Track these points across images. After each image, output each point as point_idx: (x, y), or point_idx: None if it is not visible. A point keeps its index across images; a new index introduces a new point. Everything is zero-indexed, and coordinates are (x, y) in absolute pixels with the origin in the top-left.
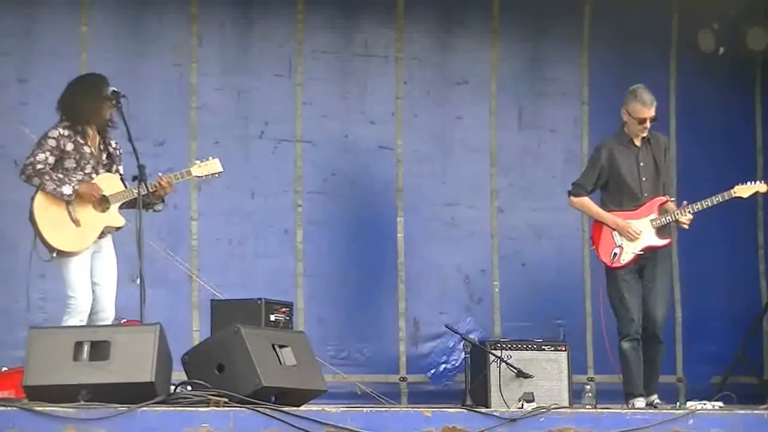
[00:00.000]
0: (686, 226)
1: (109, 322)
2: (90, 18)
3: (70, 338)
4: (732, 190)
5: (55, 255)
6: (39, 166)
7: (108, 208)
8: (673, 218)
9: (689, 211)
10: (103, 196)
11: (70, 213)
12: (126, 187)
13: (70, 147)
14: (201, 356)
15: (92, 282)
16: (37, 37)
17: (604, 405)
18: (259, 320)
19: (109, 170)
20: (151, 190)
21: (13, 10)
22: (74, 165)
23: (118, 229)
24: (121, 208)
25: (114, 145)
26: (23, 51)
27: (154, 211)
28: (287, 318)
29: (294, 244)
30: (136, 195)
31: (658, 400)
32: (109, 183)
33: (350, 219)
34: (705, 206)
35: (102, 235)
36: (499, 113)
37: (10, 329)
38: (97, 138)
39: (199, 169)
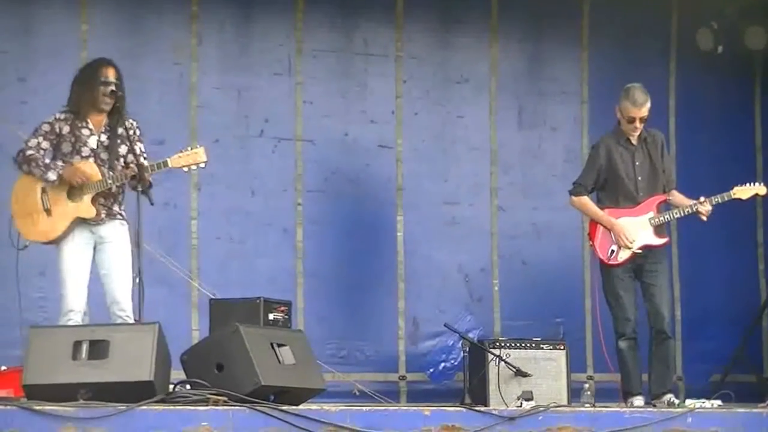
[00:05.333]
0: (705, 217)
1: (126, 315)
2: (90, 17)
3: (69, 337)
4: (731, 192)
5: (28, 244)
6: (29, 152)
7: (81, 198)
8: (692, 210)
9: (709, 202)
10: (78, 186)
11: (43, 202)
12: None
13: (66, 130)
14: (200, 355)
15: (102, 273)
16: (37, 36)
17: (602, 403)
18: (258, 319)
19: (109, 152)
20: (130, 176)
21: (12, 9)
22: (70, 149)
23: (92, 220)
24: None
25: (128, 125)
26: (23, 50)
27: (149, 197)
28: (286, 317)
29: (294, 243)
30: (109, 185)
31: (674, 399)
32: (89, 171)
33: (350, 218)
34: (720, 201)
35: (98, 223)
36: (499, 112)
37: (10, 328)
38: (104, 120)
39: (178, 160)
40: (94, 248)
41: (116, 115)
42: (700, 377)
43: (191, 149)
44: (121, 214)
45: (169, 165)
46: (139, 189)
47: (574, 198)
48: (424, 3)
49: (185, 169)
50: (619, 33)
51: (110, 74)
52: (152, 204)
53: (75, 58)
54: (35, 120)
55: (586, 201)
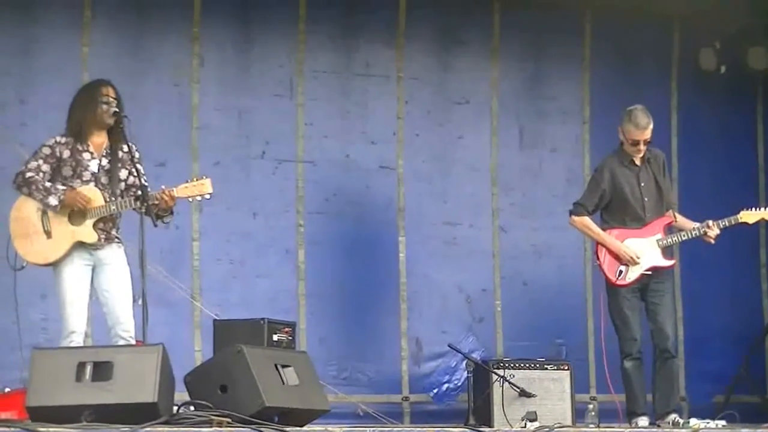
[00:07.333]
0: (712, 241)
1: (130, 335)
2: (90, 38)
3: (73, 359)
4: (738, 216)
5: (25, 264)
6: (29, 175)
7: (83, 223)
8: (699, 233)
9: (717, 226)
10: (80, 210)
11: (43, 224)
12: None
13: (66, 154)
14: (204, 376)
15: (103, 295)
16: (38, 57)
17: (606, 424)
18: (261, 340)
19: (110, 176)
20: (154, 201)
21: (13, 30)
22: (71, 173)
23: (91, 245)
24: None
25: (126, 149)
26: (23, 71)
27: (164, 222)
28: (290, 338)
29: (295, 264)
30: (112, 211)
31: (679, 419)
32: (90, 197)
33: (351, 239)
34: (727, 225)
35: (97, 247)
36: (499, 132)
37: (12, 350)
38: (105, 143)
39: (184, 191)
40: (93, 270)
41: (117, 137)
42: (704, 397)
43: (197, 180)
44: (118, 237)
45: (176, 194)
46: (142, 209)
47: (575, 218)
48: (425, 24)
49: (190, 199)
50: (620, 53)
51: (110, 93)
52: (155, 225)
53: (76, 79)
54: (35, 142)
55: (588, 222)
